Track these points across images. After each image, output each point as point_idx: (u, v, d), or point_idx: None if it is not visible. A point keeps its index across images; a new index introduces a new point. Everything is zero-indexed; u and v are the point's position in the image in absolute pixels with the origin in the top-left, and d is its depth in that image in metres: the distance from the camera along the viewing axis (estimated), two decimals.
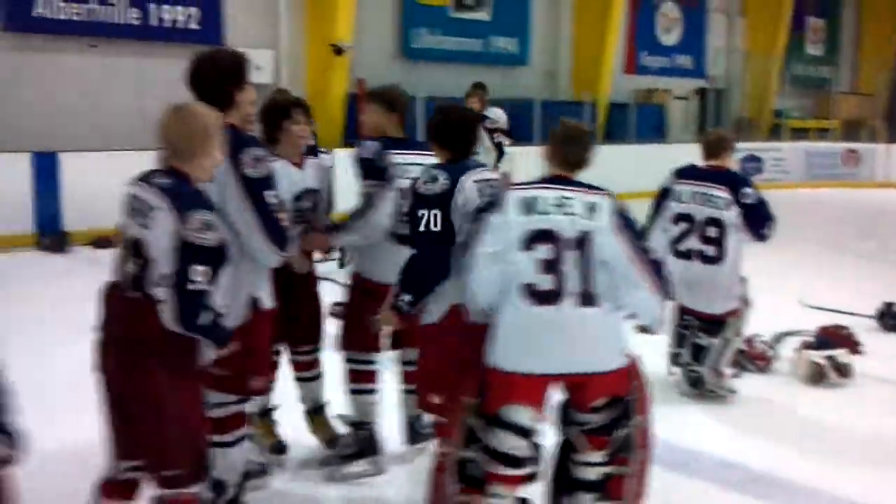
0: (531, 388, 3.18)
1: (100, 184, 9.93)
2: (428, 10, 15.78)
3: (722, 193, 5.21)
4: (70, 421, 4.63)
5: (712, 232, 5.22)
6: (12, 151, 10.12)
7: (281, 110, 4.17)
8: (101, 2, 11.81)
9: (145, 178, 3.01)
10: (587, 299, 3.14)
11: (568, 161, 3.38)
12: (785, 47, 22.61)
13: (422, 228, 3.45)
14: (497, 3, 16.81)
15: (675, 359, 5.52)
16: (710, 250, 5.23)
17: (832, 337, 6.12)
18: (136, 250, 2.91)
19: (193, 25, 12.75)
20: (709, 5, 21.72)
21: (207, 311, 2.88)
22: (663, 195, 5.44)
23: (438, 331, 3.49)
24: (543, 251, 3.15)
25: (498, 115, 9.77)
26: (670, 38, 20.90)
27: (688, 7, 21.08)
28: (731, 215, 5.18)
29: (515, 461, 3.25)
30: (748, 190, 5.24)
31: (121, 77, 11.99)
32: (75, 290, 8.08)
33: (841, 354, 5.76)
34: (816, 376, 5.69)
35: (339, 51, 13.48)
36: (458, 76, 15.57)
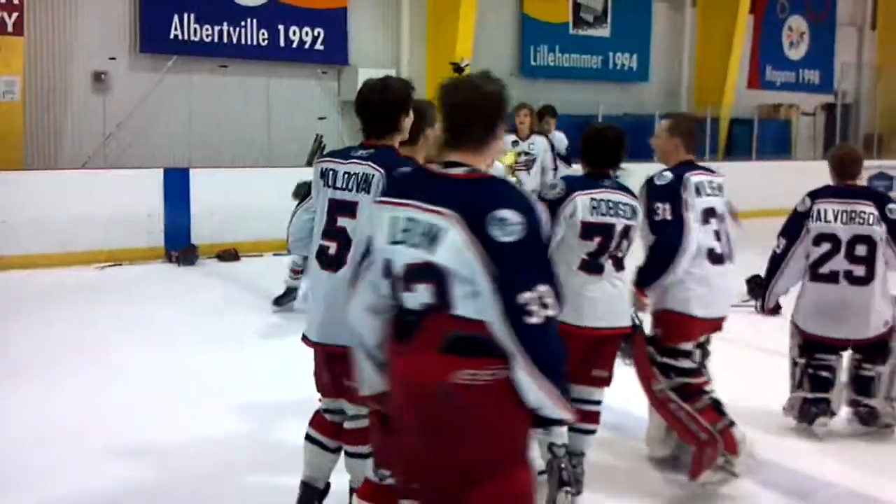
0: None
1: (227, 199, 10.40)
2: (547, 28, 15.83)
3: (869, 209, 4.93)
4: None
5: (861, 250, 4.91)
6: (146, 167, 10.59)
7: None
8: (233, 24, 12.28)
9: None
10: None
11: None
12: None
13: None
14: (617, 19, 16.74)
15: (813, 406, 5.02)
16: (859, 270, 4.91)
17: None
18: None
19: (319, 46, 13.11)
20: (838, 19, 21.04)
21: None
22: (801, 217, 5.11)
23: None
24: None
25: (558, 140, 9.57)
26: (797, 52, 20.34)
27: (816, 20, 20.48)
28: (882, 231, 4.90)
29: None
30: (894, 206, 4.97)
31: (250, 96, 12.44)
32: (205, 300, 8.51)
33: None
34: None
35: (459, 69, 13.59)
36: (577, 93, 15.58)
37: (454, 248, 2.42)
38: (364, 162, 3.43)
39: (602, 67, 16.69)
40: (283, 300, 7.81)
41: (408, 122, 3.54)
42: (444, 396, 2.44)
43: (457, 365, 2.43)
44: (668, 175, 4.28)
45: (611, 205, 3.99)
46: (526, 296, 2.38)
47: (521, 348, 2.39)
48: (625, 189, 4.11)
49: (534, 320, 2.39)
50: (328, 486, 3.77)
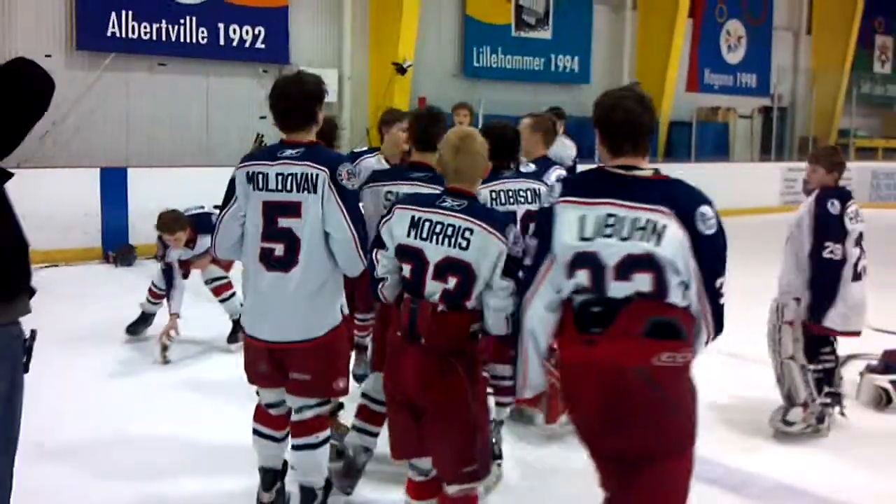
0: None
1: (167, 199, 10.23)
2: (489, 30, 15.92)
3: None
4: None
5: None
6: (83, 167, 10.41)
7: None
8: (172, 21, 12.12)
9: (432, 203, 3.22)
10: None
11: None
12: (852, 65, 22.25)
13: None
14: (558, 22, 16.88)
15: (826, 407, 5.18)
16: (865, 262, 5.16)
17: None
18: (451, 271, 3.11)
19: (260, 45, 13.00)
20: (774, 23, 21.47)
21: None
22: (839, 220, 4.96)
23: None
24: None
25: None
26: (735, 55, 20.71)
27: (753, 24, 20.87)
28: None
29: None
30: None
31: (189, 95, 12.28)
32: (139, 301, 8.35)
33: None
34: (879, 400, 5.59)
35: (401, 70, 13.62)
36: (519, 94, 15.66)
37: (676, 241, 2.70)
38: (300, 162, 3.49)
39: (544, 69, 16.82)
40: (139, 328, 7.02)
41: (321, 115, 3.65)
42: (644, 380, 2.67)
43: (659, 349, 2.69)
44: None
45: (510, 193, 4.31)
46: (720, 281, 2.77)
47: (713, 327, 2.80)
48: (526, 175, 4.44)
49: (722, 301, 2.79)
50: (286, 462, 3.92)
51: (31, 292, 2.75)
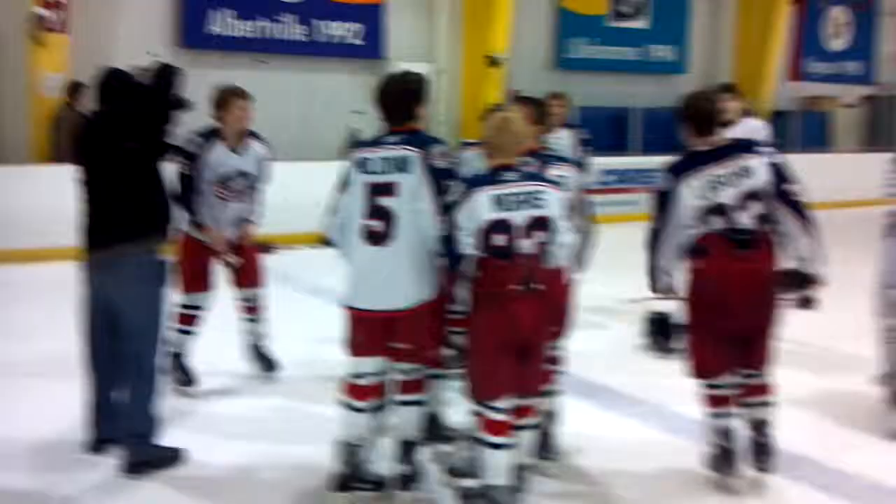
0: None
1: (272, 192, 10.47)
2: (584, 20, 15.78)
3: None
4: None
5: None
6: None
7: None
8: (271, 19, 12.43)
9: (496, 181, 3.84)
10: None
11: None
12: None
13: None
14: (656, 11, 16.64)
15: None
16: None
17: None
18: (538, 226, 3.79)
19: (356, 41, 13.23)
20: (880, 8, 20.71)
21: None
22: None
23: None
24: None
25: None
26: (838, 43, 20.05)
27: (858, 10, 20.17)
28: None
29: None
30: None
31: (289, 92, 12.58)
32: None
33: None
34: None
35: (494, 62, 13.64)
36: (613, 86, 15.53)
37: (766, 175, 4.10)
38: (398, 146, 3.94)
39: (639, 60, 16.60)
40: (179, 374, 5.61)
41: (423, 111, 4.06)
42: (773, 280, 4.15)
43: (774, 258, 4.16)
44: None
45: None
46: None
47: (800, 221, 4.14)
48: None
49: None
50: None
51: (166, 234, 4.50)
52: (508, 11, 13.87)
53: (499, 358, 3.80)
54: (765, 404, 4.23)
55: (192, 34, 11.95)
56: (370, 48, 13.31)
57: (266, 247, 10.41)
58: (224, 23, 12.12)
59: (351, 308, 4.04)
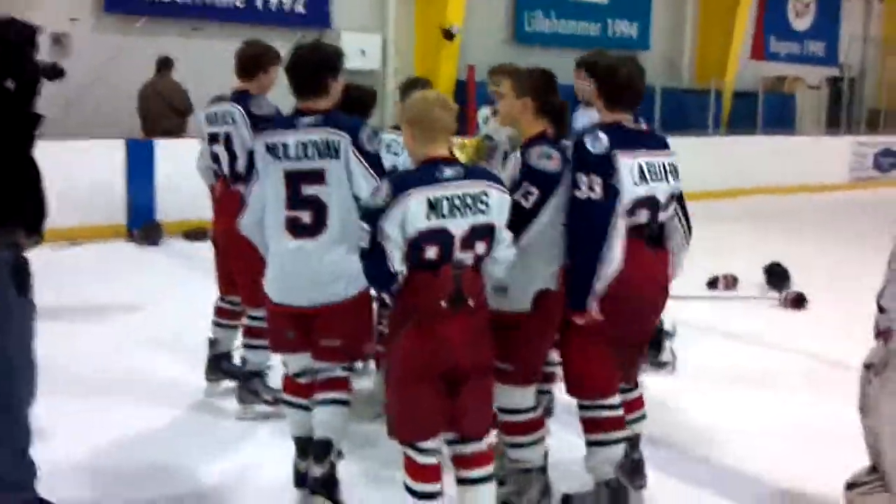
0: None
1: (196, 174, 9.56)
2: None
3: None
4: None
5: None
6: (108, 138, 9.77)
7: None
8: None
9: (434, 179, 3.19)
10: None
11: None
12: None
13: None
14: None
15: None
16: None
17: None
18: (480, 236, 3.23)
19: (300, 9, 12.29)
20: None
21: None
22: None
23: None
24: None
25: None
26: (802, 22, 19.55)
27: None
28: None
29: None
30: None
31: (223, 62, 11.52)
32: (168, 283, 7.75)
33: None
34: None
35: (449, 35, 12.82)
36: (572, 61, 14.74)
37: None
38: (319, 128, 3.56)
39: (601, 35, 15.86)
40: (217, 373, 5.18)
41: (337, 86, 3.70)
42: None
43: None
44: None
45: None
46: None
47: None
48: None
49: None
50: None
51: (32, 229, 3.25)
52: None
53: (422, 389, 3.19)
54: (642, 418, 3.92)
55: None
56: (314, 17, 12.36)
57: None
58: None
59: (273, 303, 3.75)
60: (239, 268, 4.63)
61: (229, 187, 4.66)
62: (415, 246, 3.11)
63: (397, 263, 3.12)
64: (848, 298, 4.67)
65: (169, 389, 5.15)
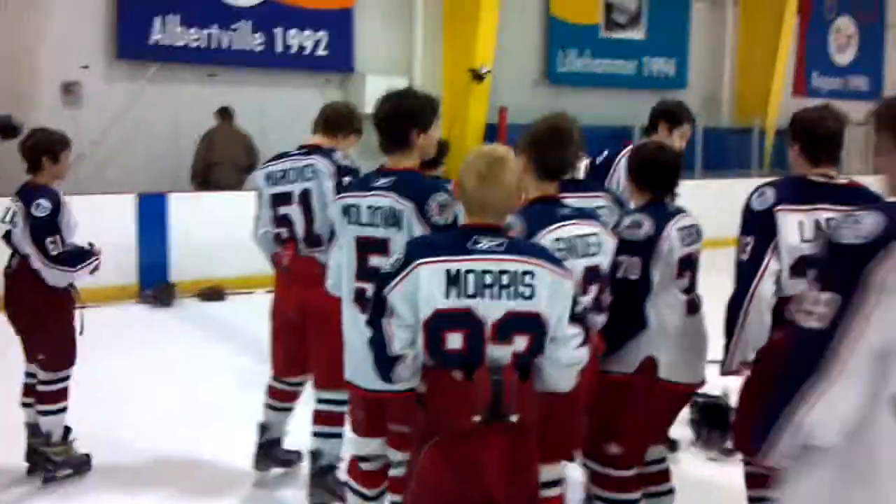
0: None
1: (213, 229, 9.00)
2: (576, 31, 14.37)
3: None
4: None
5: None
6: (119, 193, 9.19)
7: None
8: (223, 27, 10.91)
9: (462, 249, 2.67)
10: None
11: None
12: None
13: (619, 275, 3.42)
14: (653, 21, 15.28)
15: None
16: None
17: None
18: (522, 327, 2.64)
19: (321, 52, 11.72)
20: (888, 19, 19.54)
21: None
22: None
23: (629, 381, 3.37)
24: None
25: None
26: (845, 56, 18.84)
27: (864, 22, 18.97)
28: None
29: None
30: None
31: (244, 109, 10.99)
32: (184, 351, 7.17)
33: None
34: None
35: (478, 77, 12.24)
36: (608, 102, 14.18)
37: None
38: (388, 193, 3.27)
39: (636, 74, 15.23)
40: (268, 462, 4.79)
41: (423, 139, 3.36)
42: None
43: None
44: None
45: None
46: None
47: None
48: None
49: None
50: None
51: None
52: (493, 20, 12.42)
53: None
54: None
55: (131, 44, 10.37)
56: (337, 59, 11.78)
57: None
58: (168, 31, 10.55)
59: (347, 381, 3.50)
60: (319, 344, 4.23)
61: (302, 253, 4.27)
62: (433, 331, 2.57)
63: (396, 346, 2.61)
64: None
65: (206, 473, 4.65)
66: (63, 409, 4.63)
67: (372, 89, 11.63)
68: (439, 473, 2.61)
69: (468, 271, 2.55)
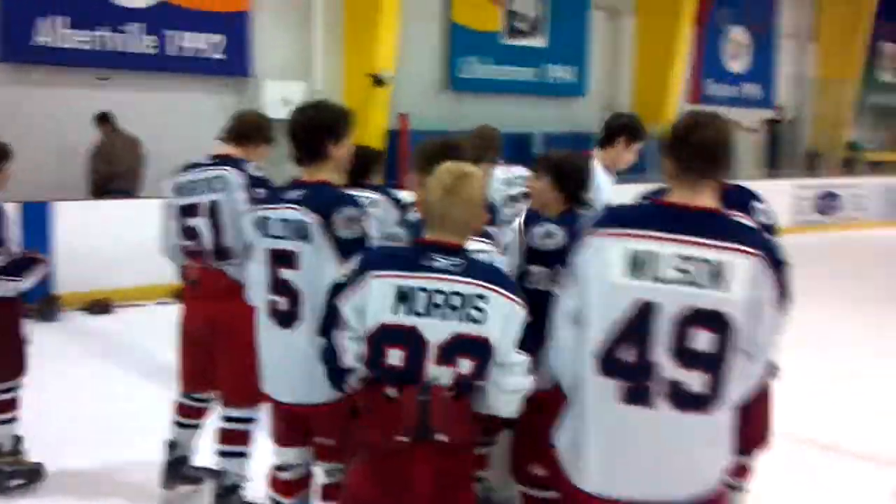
0: None
1: (101, 239, 8.66)
2: (478, 37, 14.40)
3: None
4: None
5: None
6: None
7: None
8: (114, 29, 10.54)
9: (416, 265, 2.67)
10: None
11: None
12: (860, 74, 20.98)
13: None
14: (554, 29, 15.43)
15: None
16: None
17: None
18: (463, 351, 2.63)
19: (218, 56, 11.43)
20: (779, 30, 20.14)
21: None
22: None
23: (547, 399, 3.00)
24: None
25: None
26: (738, 65, 19.35)
27: (757, 32, 19.52)
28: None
29: None
30: None
31: (136, 114, 10.62)
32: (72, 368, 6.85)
33: None
34: None
35: (379, 82, 12.10)
36: (510, 108, 14.21)
37: None
38: (299, 207, 3.23)
39: (537, 81, 15.34)
40: (175, 481, 4.56)
41: (338, 151, 3.33)
42: None
43: None
44: None
45: None
46: None
47: None
48: None
49: None
50: None
51: None
52: (394, 25, 12.32)
53: None
54: None
55: (15, 45, 9.94)
56: (233, 64, 11.51)
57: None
58: (55, 33, 10.14)
59: (269, 398, 3.45)
60: (227, 360, 4.14)
61: (211, 266, 4.14)
62: (376, 344, 2.58)
63: (349, 358, 2.64)
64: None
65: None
66: (12, 420, 4.60)
67: (270, 94, 11.41)
68: (368, 489, 2.62)
69: (420, 289, 2.56)
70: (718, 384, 2.35)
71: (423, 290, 2.56)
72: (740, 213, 2.59)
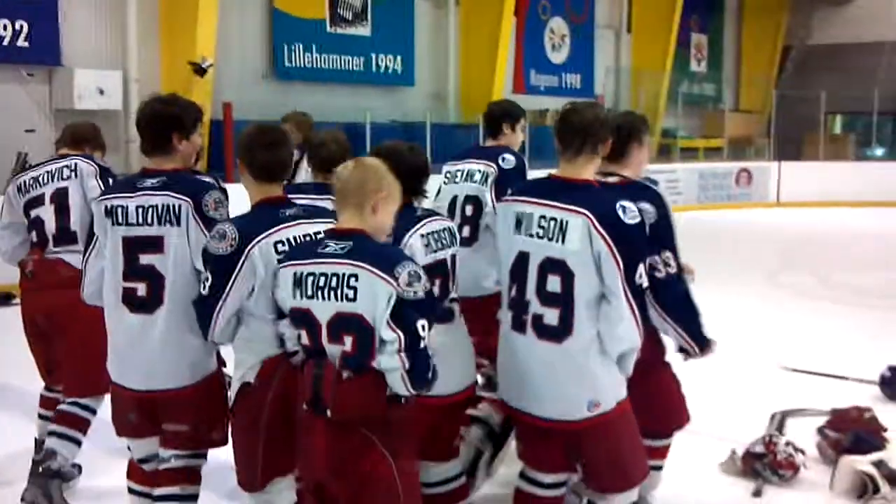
0: None
1: None
2: (302, 25, 14.11)
3: None
4: None
5: None
6: None
7: None
8: None
9: (312, 253, 2.86)
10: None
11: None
12: (672, 65, 21.95)
13: None
14: (379, 17, 15.34)
15: None
16: None
17: (858, 425, 4.74)
18: (344, 328, 2.76)
19: (22, 43, 10.68)
20: (596, 21, 20.81)
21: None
22: None
23: None
24: None
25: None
26: (559, 55, 19.86)
27: (575, 23, 20.10)
28: None
29: None
30: None
31: None
32: None
33: (890, 458, 4.34)
34: (862, 489, 4.25)
35: (200, 70, 11.66)
36: (337, 97, 14.04)
37: None
38: (160, 192, 3.30)
39: (365, 70, 15.21)
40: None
41: (185, 145, 3.40)
42: None
43: None
44: None
45: None
46: None
47: None
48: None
49: None
50: None
51: None
52: (213, 10, 11.91)
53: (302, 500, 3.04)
54: None
55: None
56: (41, 52, 10.77)
57: None
58: None
59: (113, 383, 3.45)
60: (67, 350, 4.22)
61: (47, 257, 4.22)
62: (295, 327, 2.90)
63: (290, 343, 2.99)
64: None
65: None
66: None
67: (82, 83, 10.82)
68: (297, 454, 2.95)
69: (309, 274, 2.77)
70: (567, 319, 3.05)
71: (312, 274, 2.77)
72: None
